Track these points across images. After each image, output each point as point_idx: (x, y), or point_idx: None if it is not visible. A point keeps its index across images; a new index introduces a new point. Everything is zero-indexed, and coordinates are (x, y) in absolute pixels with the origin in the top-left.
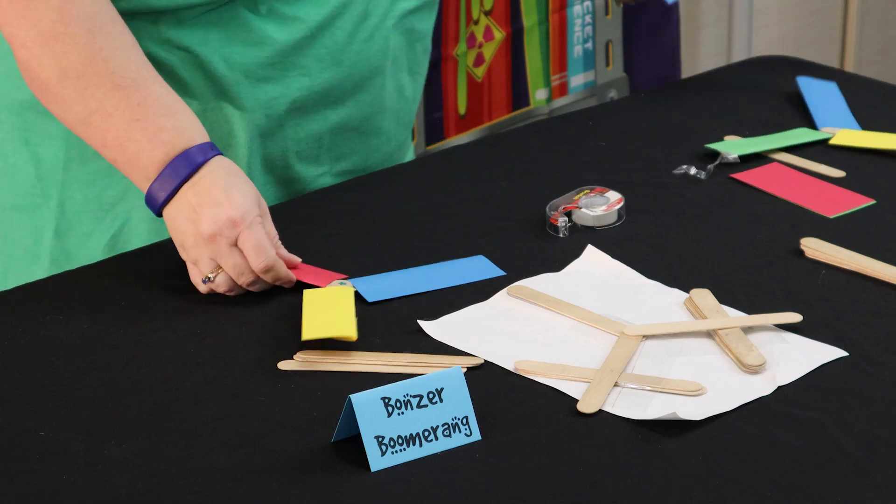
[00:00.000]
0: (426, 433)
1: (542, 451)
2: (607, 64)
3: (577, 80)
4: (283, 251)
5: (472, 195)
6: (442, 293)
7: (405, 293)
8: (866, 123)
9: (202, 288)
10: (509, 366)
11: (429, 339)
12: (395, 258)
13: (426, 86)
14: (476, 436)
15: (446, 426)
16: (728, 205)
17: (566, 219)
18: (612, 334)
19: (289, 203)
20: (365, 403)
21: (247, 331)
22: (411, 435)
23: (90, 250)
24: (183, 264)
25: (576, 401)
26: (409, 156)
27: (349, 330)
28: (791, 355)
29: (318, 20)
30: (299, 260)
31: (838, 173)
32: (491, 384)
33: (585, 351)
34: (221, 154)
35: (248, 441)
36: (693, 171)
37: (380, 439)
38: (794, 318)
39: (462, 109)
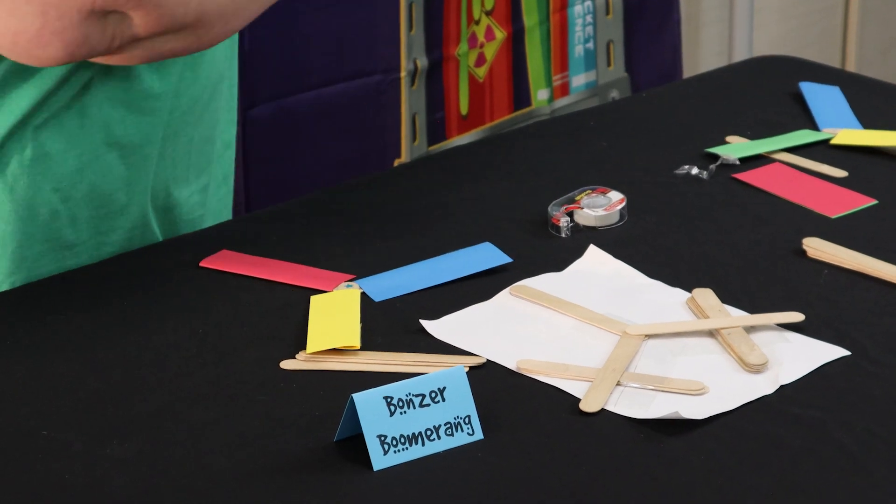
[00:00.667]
0: (429, 432)
1: (545, 449)
2: (608, 64)
3: (579, 80)
4: None
5: (474, 195)
6: (444, 293)
7: (413, 289)
8: (868, 124)
9: None
10: (511, 365)
11: (431, 339)
12: (397, 258)
13: (428, 86)
14: (479, 435)
15: (449, 425)
16: (730, 205)
17: (568, 219)
18: (615, 334)
19: (289, 203)
20: (367, 403)
21: (248, 330)
22: (414, 434)
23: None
24: (183, 265)
25: (578, 400)
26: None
27: (352, 339)
28: (793, 355)
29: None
30: None
31: (840, 173)
32: (493, 383)
33: (587, 350)
34: None
35: (250, 440)
36: (695, 171)
37: (382, 438)
38: (797, 317)
39: (464, 110)
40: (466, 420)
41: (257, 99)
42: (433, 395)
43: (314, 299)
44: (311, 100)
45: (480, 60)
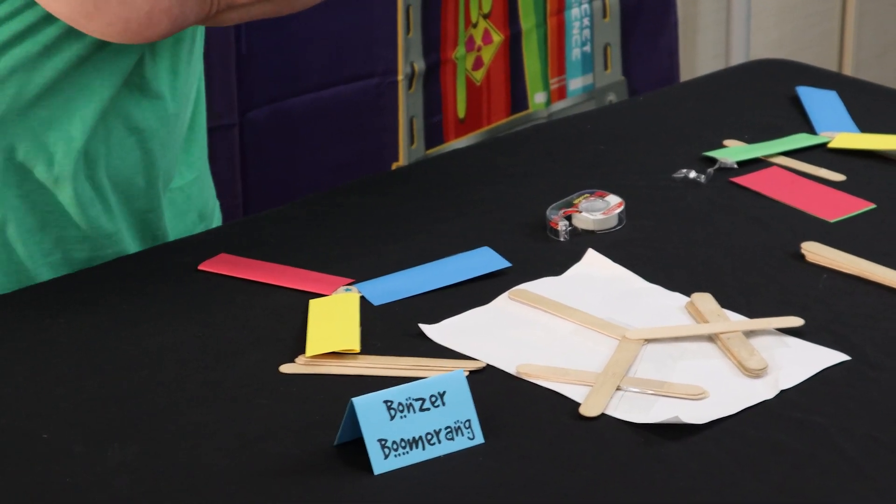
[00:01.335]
0: (429, 436)
1: (545, 454)
2: (606, 67)
3: (576, 83)
4: None
5: (472, 199)
6: (443, 297)
7: (412, 293)
8: (865, 128)
9: None
10: (511, 369)
11: (430, 343)
12: (395, 262)
13: (426, 89)
14: (479, 439)
15: (449, 429)
16: (728, 209)
17: (566, 223)
18: (614, 338)
19: (288, 206)
20: (367, 407)
21: (248, 334)
22: (414, 438)
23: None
24: (184, 267)
25: (578, 404)
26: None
27: (352, 343)
28: (793, 359)
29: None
30: None
31: (838, 177)
32: (493, 388)
33: (587, 355)
34: None
35: (250, 444)
36: (693, 174)
37: (382, 442)
38: (796, 321)
39: (461, 113)
40: (467, 424)
41: (255, 102)
42: (433, 399)
43: (313, 303)
44: (308, 103)
45: (478, 63)
